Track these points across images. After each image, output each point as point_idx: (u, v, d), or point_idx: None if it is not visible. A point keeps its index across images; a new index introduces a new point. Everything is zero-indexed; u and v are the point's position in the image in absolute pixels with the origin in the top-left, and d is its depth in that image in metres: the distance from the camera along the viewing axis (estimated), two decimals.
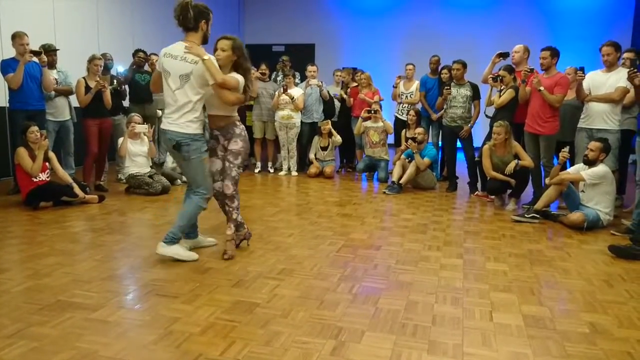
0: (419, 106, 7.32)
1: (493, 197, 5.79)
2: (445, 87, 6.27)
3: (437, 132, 7.26)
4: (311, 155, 7.49)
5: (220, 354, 2.26)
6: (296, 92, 7.25)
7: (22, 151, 4.95)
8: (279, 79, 8.12)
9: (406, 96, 7.48)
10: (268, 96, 7.44)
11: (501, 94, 5.83)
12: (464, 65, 6.25)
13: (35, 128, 4.99)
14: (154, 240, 3.92)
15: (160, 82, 3.44)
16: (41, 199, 4.98)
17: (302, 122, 7.43)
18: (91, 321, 2.55)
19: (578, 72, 5.34)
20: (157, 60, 3.70)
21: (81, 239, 4.03)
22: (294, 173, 7.48)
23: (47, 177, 5.12)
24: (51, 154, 5.23)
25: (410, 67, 7.50)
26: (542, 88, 5.10)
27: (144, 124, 6.07)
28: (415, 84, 7.43)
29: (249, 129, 7.65)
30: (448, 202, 5.82)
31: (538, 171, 5.44)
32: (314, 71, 7.60)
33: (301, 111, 7.37)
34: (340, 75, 8.02)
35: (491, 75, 5.90)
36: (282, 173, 7.52)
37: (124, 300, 2.84)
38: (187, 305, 2.75)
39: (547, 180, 5.11)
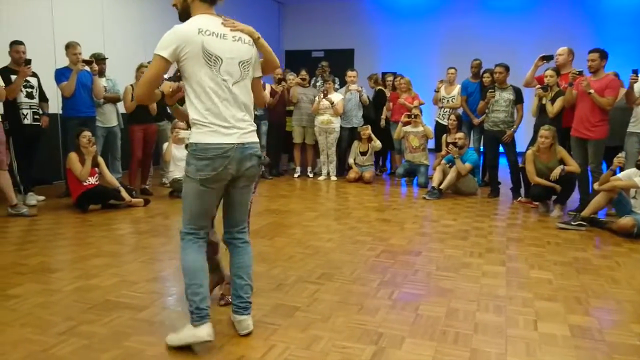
0: (460, 111, 7.23)
1: (537, 203, 5.64)
2: (489, 90, 6.16)
3: (478, 137, 7.14)
4: (350, 160, 7.49)
5: (261, 356, 2.29)
6: (336, 97, 7.29)
7: (73, 156, 5.16)
8: (318, 84, 8.18)
9: (447, 100, 7.39)
10: (308, 101, 7.50)
11: (546, 99, 5.66)
12: (507, 69, 6.13)
13: (88, 133, 5.20)
14: None
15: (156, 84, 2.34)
16: (90, 202, 5.18)
17: (341, 127, 7.46)
18: (138, 321, 2.63)
19: (632, 75, 5.12)
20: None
21: (127, 241, 4.17)
22: (333, 178, 7.51)
23: (96, 181, 5.32)
24: (100, 159, 5.43)
25: (452, 71, 7.42)
26: (592, 91, 4.95)
27: (188, 129, 6.21)
28: (457, 88, 7.33)
29: (289, 134, 7.76)
30: (490, 208, 5.71)
31: (585, 177, 5.27)
32: (353, 76, 7.62)
33: (341, 116, 7.39)
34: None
35: (540, 85, 5.72)
36: (321, 178, 7.56)
37: (168, 301, 2.92)
38: (228, 308, 2.80)
39: (595, 186, 4.94)
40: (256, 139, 2.45)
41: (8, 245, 3.95)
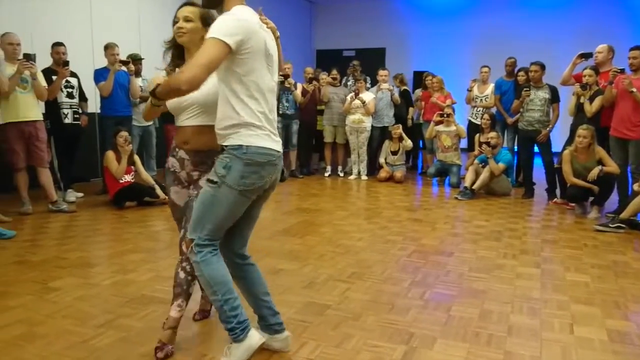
0: (493, 110, 7.11)
1: (573, 204, 5.51)
2: (524, 89, 6.04)
3: (512, 137, 7.02)
4: (381, 160, 7.47)
5: (293, 353, 2.31)
6: (368, 96, 7.27)
7: (110, 154, 5.30)
8: (349, 83, 8.18)
9: (480, 99, 7.29)
10: (339, 101, 7.51)
11: (584, 98, 5.51)
12: (542, 67, 5.99)
13: (125, 133, 5.33)
14: None
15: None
16: (126, 199, 5.31)
17: (372, 126, 7.44)
18: None
19: None
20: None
21: (162, 238, 4.26)
22: (364, 177, 7.49)
23: (132, 179, 5.45)
24: (136, 157, 5.56)
25: (486, 69, 7.30)
26: (634, 89, 4.81)
27: None
28: (490, 87, 7.22)
29: (320, 133, 7.78)
30: (524, 209, 5.60)
31: (624, 178, 5.12)
32: (385, 75, 7.59)
33: (372, 115, 7.37)
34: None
35: (579, 84, 5.57)
36: (351, 177, 7.56)
37: (200, 297, 2.97)
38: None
39: (635, 187, 4.79)
40: None
41: (49, 240, 4.09)
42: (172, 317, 2.28)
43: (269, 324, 2.28)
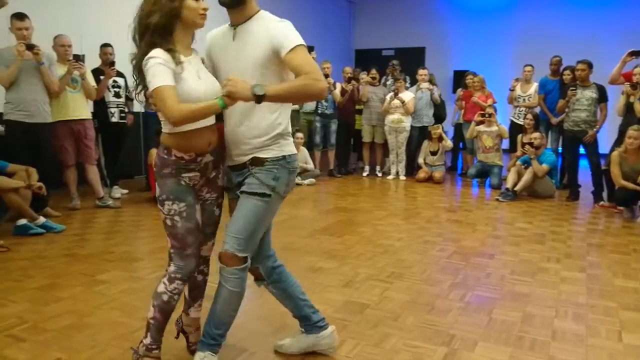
0: (537, 110, 6.94)
1: (622, 208, 5.32)
2: (570, 88, 5.86)
3: (556, 137, 6.83)
4: (420, 160, 7.39)
5: (333, 351, 2.32)
6: (407, 96, 7.21)
7: (154, 152, 5.44)
8: (388, 83, 8.13)
9: (523, 99, 7.12)
10: (378, 100, 7.48)
11: (634, 98, 5.32)
12: (590, 66, 5.80)
13: None
14: (274, 238, 4.12)
15: None
16: None
17: (411, 126, 7.38)
18: None
19: None
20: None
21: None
22: (402, 177, 7.44)
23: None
24: None
25: (529, 68, 7.12)
26: None
27: None
28: (534, 87, 7.04)
29: (358, 133, 7.77)
30: (568, 212, 5.45)
31: None
32: (424, 75, 7.52)
33: (411, 115, 7.31)
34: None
35: (629, 83, 5.37)
36: (390, 177, 7.51)
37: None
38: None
39: None
40: None
41: (96, 235, 4.24)
42: (194, 318, 2.30)
43: (314, 323, 2.27)
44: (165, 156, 1.97)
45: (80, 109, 5.03)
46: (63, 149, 4.96)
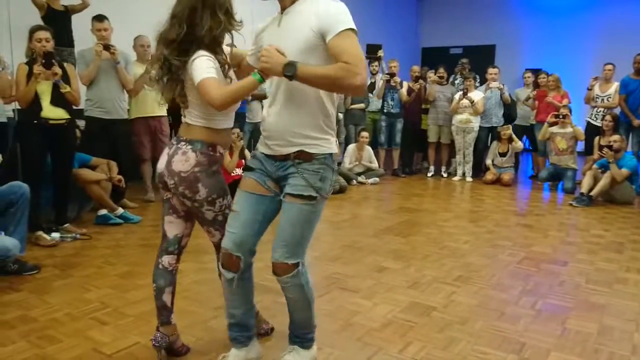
0: (617, 111, 6.56)
1: None
2: None
3: (638, 141, 6.44)
4: (488, 161, 7.19)
5: (399, 351, 2.32)
6: (476, 95, 7.03)
7: None
8: (457, 82, 7.97)
9: (602, 99, 6.75)
10: (445, 100, 7.34)
11: None
12: None
13: (237, 130, 5.63)
14: (332, 236, 4.16)
15: None
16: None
17: (480, 126, 7.18)
18: (280, 304, 2.78)
19: None
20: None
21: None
22: (469, 179, 7.26)
23: (242, 173, 5.73)
24: (246, 152, 5.85)
25: (609, 67, 6.75)
26: None
27: None
28: (614, 86, 6.67)
29: (424, 132, 7.66)
30: None
31: None
32: (494, 73, 7.29)
33: (480, 115, 7.12)
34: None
35: None
36: (455, 178, 7.36)
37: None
38: (366, 301, 2.88)
39: None
40: None
41: None
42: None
43: (251, 334, 2.15)
44: (212, 153, 2.04)
45: (157, 106, 5.25)
46: (140, 144, 5.22)
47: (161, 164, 2.06)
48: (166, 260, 2.22)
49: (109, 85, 4.79)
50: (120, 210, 4.49)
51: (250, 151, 6.23)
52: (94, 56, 4.61)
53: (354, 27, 1.77)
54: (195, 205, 2.05)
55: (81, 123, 4.83)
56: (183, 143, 2.02)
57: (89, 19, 4.75)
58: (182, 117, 2.13)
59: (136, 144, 5.22)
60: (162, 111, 5.34)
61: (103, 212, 4.41)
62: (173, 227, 2.19)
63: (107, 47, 4.64)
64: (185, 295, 2.90)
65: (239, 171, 5.68)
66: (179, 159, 2.00)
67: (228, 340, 2.37)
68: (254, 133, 6.60)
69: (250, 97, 6.37)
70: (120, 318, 2.59)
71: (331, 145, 1.94)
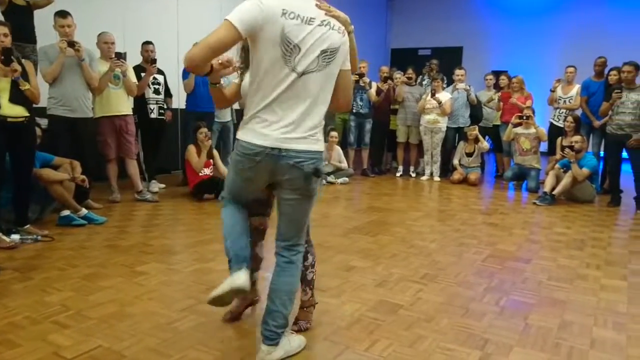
0: (578, 112, 6.76)
1: None
2: (615, 90, 5.69)
3: (598, 141, 6.64)
4: (455, 161, 7.31)
5: (366, 349, 2.33)
6: (444, 96, 7.13)
7: (192, 148, 5.56)
8: (424, 82, 8.07)
9: (564, 101, 6.95)
10: (413, 100, 7.42)
11: None
12: (636, 67, 5.63)
13: (205, 129, 5.57)
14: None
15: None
16: (205, 192, 5.54)
17: (447, 126, 7.29)
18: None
19: None
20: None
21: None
22: (437, 178, 7.36)
23: (210, 173, 5.68)
24: (215, 152, 5.79)
25: (571, 69, 6.95)
26: None
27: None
28: (576, 88, 6.86)
29: (393, 133, 7.73)
30: (609, 218, 5.29)
31: None
32: (461, 75, 7.41)
33: (447, 116, 7.23)
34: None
35: None
36: (424, 178, 7.45)
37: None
38: (334, 299, 2.89)
39: None
40: (311, 147, 2.03)
41: (136, 227, 4.36)
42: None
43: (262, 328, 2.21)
44: None
45: (122, 104, 5.17)
46: (105, 143, 5.11)
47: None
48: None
49: (73, 83, 4.67)
50: (84, 211, 4.39)
51: (219, 151, 6.17)
52: (59, 53, 4.49)
53: (231, 20, 1.88)
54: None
55: (43, 121, 4.70)
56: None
57: (52, 14, 4.63)
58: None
59: (101, 143, 5.10)
60: (128, 110, 5.24)
61: (66, 212, 4.29)
62: None
63: (71, 44, 4.52)
64: (151, 297, 2.85)
65: (207, 171, 5.63)
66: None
67: (194, 341, 2.36)
68: (223, 132, 6.54)
69: None
70: (82, 321, 2.52)
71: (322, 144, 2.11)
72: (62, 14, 4.58)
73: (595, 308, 2.91)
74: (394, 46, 12.71)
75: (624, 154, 5.77)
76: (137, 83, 5.33)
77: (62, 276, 3.14)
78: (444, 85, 7.54)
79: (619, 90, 5.64)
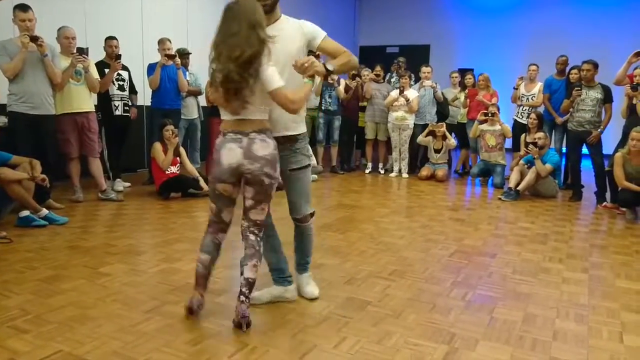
0: (541, 109, 6.92)
1: (624, 209, 5.30)
2: (576, 88, 5.84)
3: (560, 137, 6.82)
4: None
5: (334, 347, 2.33)
6: (411, 94, 7.20)
7: (157, 146, 5.45)
8: (392, 80, 8.12)
9: (527, 98, 7.10)
10: (381, 97, 7.47)
11: (636, 99, 5.31)
12: (595, 66, 5.79)
13: (171, 127, 5.47)
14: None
15: None
16: (171, 190, 5.45)
17: (414, 123, 7.36)
18: (216, 304, 2.75)
19: None
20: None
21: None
22: (405, 175, 7.43)
23: (177, 170, 5.59)
24: (181, 150, 5.70)
25: (534, 67, 7.11)
26: None
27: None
28: (538, 86, 7.02)
29: (362, 130, 7.76)
30: (571, 212, 5.44)
31: None
32: (428, 72, 7.50)
33: (415, 113, 7.29)
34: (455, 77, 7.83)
35: (629, 84, 5.37)
36: (392, 174, 7.51)
37: None
38: (302, 297, 2.87)
39: None
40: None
41: (99, 227, 4.25)
42: (250, 278, 2.45)
43: (286, 276, 2.83)
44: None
45: (84, 101, 5.03)
46: (67, 141, 4.96)
47: (233, 157, 2.37)
48: (222, 236, 2.63)
49: (36, 79, 4.52)
50: (44, 212, 4.25)
51: (185, 149, 6.07)
52: (19, 48, 4.34)
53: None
54: (272, 182, 2.45)
55: (1, 119, 4.54)
56: (255, 134, 2.39)
57: (11, 8, 4.46)
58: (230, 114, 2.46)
59: (62, 141, 4.95)
60: (90, 107, 5.10)
61: (25, 213, 4.15)
62: (229, 213, 2.58)
63: (34, 39, 4.37)
64: (115, 299, 2.78)
65: (174, 169, 5.53)
66: (260, 145, 2.38)
67: (159, 343, 2.31)
68: (190, 130, 6.44)
69: (184, 93, 6.21)
70: (41, 325, 2.44)
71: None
72: (22, 8, 4.43)
73: (557, 300, 2.98)
74: (363, 44, 12.77)
75: (585, 150, 5.95)
76: (99, 79, 5.19)
77: (21, 279, 3.03)
78: (412, 83, 7.61)
79: (579, 88, 5.80)
